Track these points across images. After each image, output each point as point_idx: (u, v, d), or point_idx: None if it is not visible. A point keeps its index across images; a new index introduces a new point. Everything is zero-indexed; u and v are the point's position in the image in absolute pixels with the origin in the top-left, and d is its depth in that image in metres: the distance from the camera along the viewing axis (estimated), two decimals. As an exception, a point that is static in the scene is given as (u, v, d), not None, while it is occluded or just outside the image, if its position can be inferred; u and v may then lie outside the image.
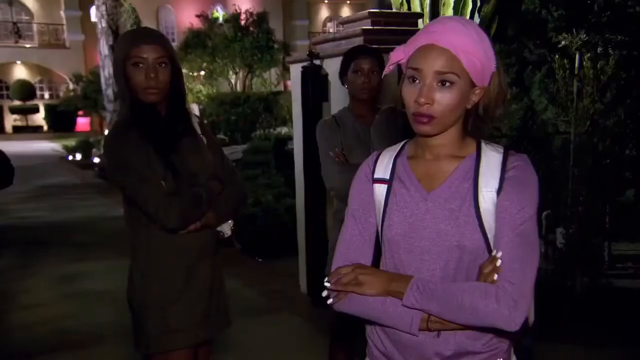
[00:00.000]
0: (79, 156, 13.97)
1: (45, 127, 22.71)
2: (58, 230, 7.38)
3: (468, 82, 1.39)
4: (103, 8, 13.48)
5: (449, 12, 5.27)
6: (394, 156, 1.58)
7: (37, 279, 5.50)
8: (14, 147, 14.94)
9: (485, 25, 5.30)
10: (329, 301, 1.52)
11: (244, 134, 13.70)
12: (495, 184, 1.45)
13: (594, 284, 4.31)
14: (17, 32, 23.75)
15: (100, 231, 6.74)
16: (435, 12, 5.39)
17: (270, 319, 4.38)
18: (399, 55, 1.46)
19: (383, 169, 1.59)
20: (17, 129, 22.27)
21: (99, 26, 13.96)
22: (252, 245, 5.76)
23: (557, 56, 4.28)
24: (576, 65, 4.27)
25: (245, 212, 5.75)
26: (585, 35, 4.24)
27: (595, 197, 4.35)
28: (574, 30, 4.31)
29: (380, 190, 1.58)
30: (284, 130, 12.65)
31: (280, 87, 20.99)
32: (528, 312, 1.43)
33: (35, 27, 24.82)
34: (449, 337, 1.50)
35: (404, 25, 4.38)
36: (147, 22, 19.70)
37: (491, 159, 1.50)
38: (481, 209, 1.45)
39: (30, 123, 23.14)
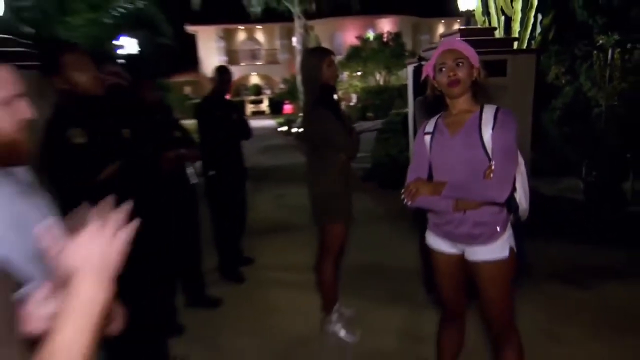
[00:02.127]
0: (285, 128, 18.29)
1: (267, 111, 30.24)
2: (273, 169, 10.06)
3: (469, 63, 1.92)
4: (299, 37, 17.91)
5: (517, 26, 5.89)
6: (434, 120, 2.09)
7: (263, 195, 7.44)
8: (252, 123, 19.69)
9: (544, 32, 5.98)
10: (405, 202, 2.04)
11: (384, 112, 16.64)
12: (491, 125, 1.89)
13: (617, 212, 4.92)
14: (253, 56, 33.41)
15: (294, 170, 8.96)
16: (507, 26, 6.00)
17: (387, 223, 5.57)
18: (427, 69, 2.02)
19: (429, 127, 2.10)
20: (253, 113, 29.74)
21: (297, 48, 19.32)
22: (382, 181, 7.24)
23: (595, 52, 5.18)
24: (608, 57, 5.08)
25: (380, 160, 7.29)
26: (617, 36, 5.01)
27: (620, 149, 4.96)
28: (609, 32, 5.10)
29: (428, 139, 2.07)
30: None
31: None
32: (510, 192, 1.89)
33: (262, 52, 33.98)
34: (470, 213, 1.95)
35: (482, 36, 5.05)
36: (325, 43, 26.72)
37: (489, 112, 1.93)
38: (484, 140, 1.89)
39: (259, 109, 31.14)
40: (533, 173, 5.40)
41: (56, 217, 1.34)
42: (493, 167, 1.84)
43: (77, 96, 2.12)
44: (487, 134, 1.86)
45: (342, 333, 3.16)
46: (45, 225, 0.84)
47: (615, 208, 4.98)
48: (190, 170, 3.51)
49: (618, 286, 3.70)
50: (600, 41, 5.16)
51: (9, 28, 5.47)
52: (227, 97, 4.24)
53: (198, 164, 3.69)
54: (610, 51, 5.10)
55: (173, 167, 3.22)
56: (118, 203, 2.38)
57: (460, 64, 1.88)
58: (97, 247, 0.77)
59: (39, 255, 0.85)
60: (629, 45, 5.24)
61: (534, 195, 5.67)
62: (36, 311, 0.96)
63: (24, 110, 1.19)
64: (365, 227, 5.27)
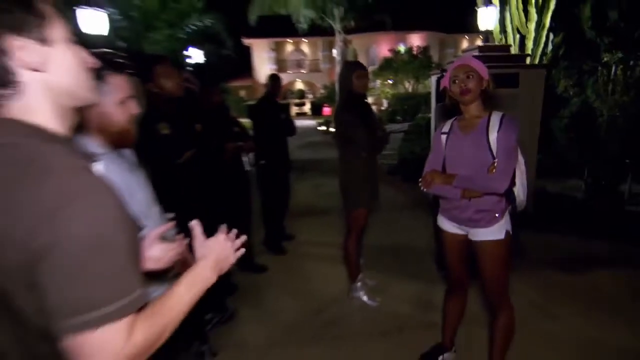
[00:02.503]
0: (323, 127, 18.27)
1: (309, 113, 30.28)
2: (313, 162, 10.04)
3: (479, 76, 1.96)
4: (339, 49, 18.48)
5: (530, 44, 5.79)
6: (450, 122, 2.16)
7: (304, 184, 7.51)
8: (296, 122, 19.96)
9: (555, 49, 5.84)
10: (422, 188, 2.15)
11: (411, 116, 16.65)
12: (496, 129, 1.94)
13: (614, 210, 4.80)
14: (299, 65, 33.77)
15: (330, 163, 8.35)
16: (522, 44, 5.91)
17: (408, 211, 5.56)
18: (444, 82, 2.09)
19: (446, 128, 2.18)
20: (297, 114, 29.83)
21: (337, 59, 19.69)
22: (405, 175, 7.25)
23: (600, 68, 5.06)
24: (612, 73, 4.96)
25: (405, 157, 7.27)
26: (620, 54, 4.87)
27: (619, 155, 4.87)
28: (613, 50, 4.96)
29: (444, 137, 2.15)
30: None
31: (434, 90, 24.21)
32: (510, 185, 1.93)
33: (307, 61, 34.09)
34: (474, 201, 2.03)
35: (498, 52, 5.04)
36: (361, 55, 28.11)
37: (495, 118, 1.98)
38: (490, 141, 1.94)
39: (302, 111, 31.32)
40: (541, 173, 5.37)
41: (150, 190, 1.55)
42: (496, 164, 1.90)
43: (163, 97, 2.34)
44: (492, 136, 1.93)
45: (365, 298, 3.28)
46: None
47: (612, 207, 4.88)
48: (245, 159, 3.69)
49: (607, 274, 3.66)
50: (605, 58, 5.02)
51: (109, 43, 5.90)
52: (278, 99, 4.35)
53: (251, 154, 3.83)
54: (613, 67, 5.00)
55: (232, 155, 3.42)
56: (193, 181, 2.59)
57: (471, 77, 1.94)
58: (221, 250, 1.04)
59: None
60: (631, 62, 5.12)
61: (541, 192, 5.60)
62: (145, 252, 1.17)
63: (133, 107, 1.40)
64: (389, 214, 5.38)
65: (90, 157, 0.84)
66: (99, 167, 0.99)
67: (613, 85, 4.94)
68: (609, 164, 4.99)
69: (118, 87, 1.33)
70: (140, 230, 1.26)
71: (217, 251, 1.03)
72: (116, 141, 1.40)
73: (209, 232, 1.11)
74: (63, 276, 0.67)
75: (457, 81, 1.97)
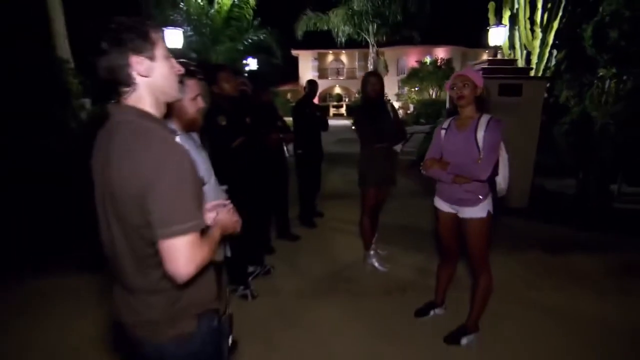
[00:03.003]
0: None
1: (345, 114, 29.64)
2: (343, 155, 9.83)
3: (473, 84, 2.04)
4: (372, 60, 18.29)
5: (535, 59, 5.58)
6: (449, 120, 2.23)
7: (334, 173, 7.63)
8: (332, 122, 20.73)
9: (558, 64, 5.60)
10: (422, 171, 2.24)
11: (434, 119, 15.97)
12: (484, 129, 2.01)
13: (603, 207, 4.69)
14: (338, 73, 33.24)
15: (356, 155, 8.22)
16: (528, 59, 5.73)
17: (419, 198, 5.62)
18: (447, 87, 2.16)
19: (445, 125, 2.24)
20: (334, 115, 29.74)
21: (370, 68, 18.99)
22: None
23: (595, 81, 4.86)
24: (606, 86, 4.76)
25: (423, 153, 7.18)
26: (615, 69, 4.66)
27: (611, 157, 4.69)
28: (608, 66, 4.75)
29: (443, 132, 2.23)
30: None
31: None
32: (491, 174, 1.99)
33: (344, 70, 33.55)
34: (464, 185, 2.11)
35: (505, 65, 4.98)
36: (392, 65, 27.23)
37: (484, 120, 2.04)
38: (478, 139, 2.02)
39: (339, 112, 30.98)
40: (540, 173, 5.25)
41: (209, 165, 1.78)
42: (481, 157, 1.99)
43: (223, 96, 2.57)
44: (480, 134, 2.00)
45: (376, 264, 3.42)
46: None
47: (601, 203, 4.74)
48: (286, 149, 3.89)
49: (587, 256, 3.61)
50: (601, 73, 4.82)
51: (183, 55, 6.30)
52: (315, 100, 4.45)
53: (291, 145, 3.97)
54: (608, 81, 4.80)
55: (275, 144, 3.62)
56: (243, 162, 2.85)
57: (466, 85, 2.02)
58: (225, 219, 1.22)
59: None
60: (624, 77, 4.93)
61: (538, 189, 5.49)
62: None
63: (200, 103, 1.62)
64: (404, 199, 5.45)
65: (175, 133, 1.06)
66: (179, 139, 1.22)
67: (606, 96, 4.75)
68: (601, 165, 4.82)
69: (192, 88, 1.56)
70: (203, 184, 1.49)
71: (223, 221, 1.22)
72: (187, 126, 1.63)
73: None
74: (161, 202, 0.90)
75: (455, 88, 2.05)
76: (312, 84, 4.42)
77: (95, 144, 1.05)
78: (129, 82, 0.99)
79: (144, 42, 0.98)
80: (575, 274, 3.28)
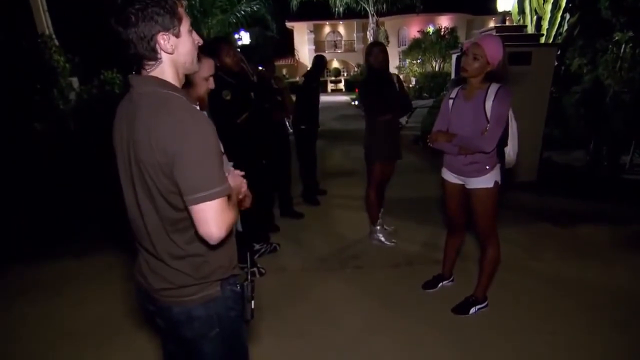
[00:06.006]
0: (356, 102, 17.93)
1: (344, 89, 29.07)
2: (344, 131, 10.03)
3: (485, 60, 1.99)
4: (372, 31, 17.87)
5: (545, 24, 5.49)
6: (457, 89, 2.25)
7: (336, 150, 7.72)
8: (331, 98, 21.38)
9: (570, 29, 5.55)
10: (429, 144, 2.32)
11: (437, 93, 16.10)
12: (492, 99, 2.02)
13: (612, 177, 4.80)
14: (335, 46, 32.55)
15: (359, 133, 8.61)
16: (538, 24, 5.61)
17: (425, 173, 5.63)
18: (465, 46, 2.13)
19: (453, 94, 2.26)
20: (332, 90, 29.23)
21: (370, 40, 18.37)
22: (426, 144, 7.06)
23: (610, 46, 4.84)
24: (621, 51, 4.74)
25: (427, 128, 7.13)
26: (631, 33, 4.63)
27: (623, 127, 4.73)
28: (624, 30, 4.72)
29: (450, 102, 2.26)
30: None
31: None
32: (495, 145, 2.02)
33: (342, 42, 32.68)
34: (469, 156, 2.18)
35: (513, 32, 4.96)
36: (392, 36, 26.75)
37: (493, 88, 2.04)
38: (486, 108, 2.05)
39: (337, 87, 30.38)
40: (549, 145, 5.29)
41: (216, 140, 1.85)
42: (488, 128, 2.03)
43: (225, 71, 2.62)
44: (488, 104, 2.03)
45: (383, 239, 3.52)
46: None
47: (611, 175, 4.82)
48: (288, 124, 3.94)
49: (593, 227, 3.70)
50: (617, 37, 4.79)
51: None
52: (319, 78, 4.42)
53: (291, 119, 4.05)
54: (623, 46, 4.78)
55: (278, 119, 3.66)
56: (247, 136, 2.93)
57: (476, 59, 2.00)
58: (235, 183, 1.25)
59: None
60: (641, 40, 4.83)
61: (547, 161, 5.55)
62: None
63: (212, 84, 1.70)
64: (409, 175, 5.50)
65: (195, 103, 1.13)
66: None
67: (621, 62, 4.74)
68: (613, 135, 4.85)
69: (207, 67, 1.64)
70: (223, 153, 1.56)
71: (234, 184, 1.27)
72: (194, 103, 1.70)
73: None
74: (188, 169, 0.98)
75: (464, 58, 2.05)
76: (320, 59, 4.42)
77: (117, 114, 1.12)
78: (153, 57, 1.05)
79: (172, 18, 1.02)
80: (584, 246, 3.39)
